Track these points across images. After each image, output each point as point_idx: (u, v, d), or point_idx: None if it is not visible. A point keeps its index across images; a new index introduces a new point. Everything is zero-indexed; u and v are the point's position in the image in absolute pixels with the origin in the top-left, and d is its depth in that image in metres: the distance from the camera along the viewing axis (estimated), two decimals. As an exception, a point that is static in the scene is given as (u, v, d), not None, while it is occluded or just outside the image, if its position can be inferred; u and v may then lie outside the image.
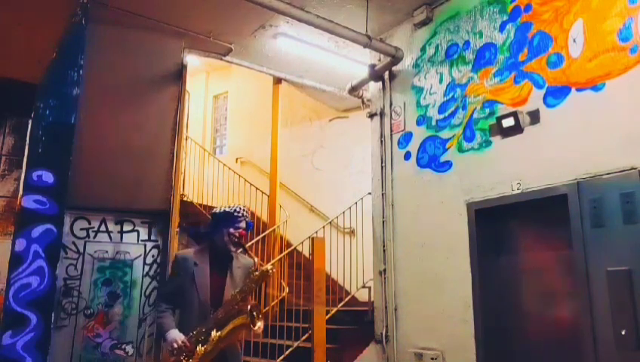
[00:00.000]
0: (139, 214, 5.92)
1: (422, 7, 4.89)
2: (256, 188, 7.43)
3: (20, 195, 4.81)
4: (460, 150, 4.37)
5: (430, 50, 4.85)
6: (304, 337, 5.47)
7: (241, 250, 3.46)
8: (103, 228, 5.78)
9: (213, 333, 3.02)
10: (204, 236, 3.45)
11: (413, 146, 4.84)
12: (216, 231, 3.33)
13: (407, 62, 5.08)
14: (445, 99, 4.59)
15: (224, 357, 3.17)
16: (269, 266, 3.27)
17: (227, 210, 3.34)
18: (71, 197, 5.19)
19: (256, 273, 3.23)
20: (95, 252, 5.69)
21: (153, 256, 5.95)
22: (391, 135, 5.12)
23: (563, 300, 3.67)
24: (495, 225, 4.07)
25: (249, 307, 3.11)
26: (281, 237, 6.97)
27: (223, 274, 3.26)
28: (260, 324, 3.07)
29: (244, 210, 3.35)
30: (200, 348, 3.00)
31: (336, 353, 5.14)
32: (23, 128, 4.95)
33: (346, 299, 6.20)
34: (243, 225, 3.31)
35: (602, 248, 3.25)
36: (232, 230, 3.26)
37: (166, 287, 3.48)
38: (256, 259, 3.40)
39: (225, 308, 3.11)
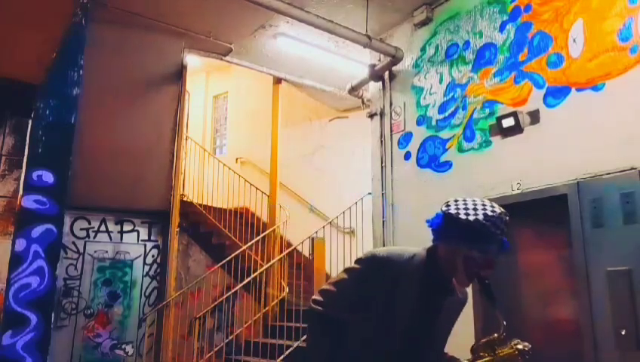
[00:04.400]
0: (139, 214, 5.93)
1: (422, 7, 4.90)
2: (257, 188, 7.43)
3: (20, 195, 4.81)
4: (460, 150, 4.37)
5: (430, 50, 4.85)
6: (304, 337, 5.47)
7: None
8: (103, 228, 5.79)
9: None
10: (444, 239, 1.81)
11: (413, 146, 4.84)
12: (443, 241, 1.81)
13: (407, 62, 5.08)
14: (445, 99, 4.59)
15: None
16: (519, 346, 1.77)
17: (478, 218, 1.68)
18: (71, 197, 5.19)
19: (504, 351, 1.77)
20: (95, 252, 5.70)
21: (153, 256, 5.96)
22: (391, 135, 5.12)
23: (563, 300, 3.67)
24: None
25: None
26: (281, 237, 6.97)
27: (431, 313, 1.84)
28: None
29: (507, 224, 1.73)
30: None
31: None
32: (23, 128, 4.94)
33: (346, 299, 6.19)
34: (497, 249, 1.72)
35: (602, 248, 3.24)
36: (476, 253, 1.72)
37: (345, 294, 1.84)
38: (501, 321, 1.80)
39: None
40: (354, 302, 1.81)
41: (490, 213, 1.69)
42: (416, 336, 1.80)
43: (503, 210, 1.74)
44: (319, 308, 1.86)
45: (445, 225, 1.77)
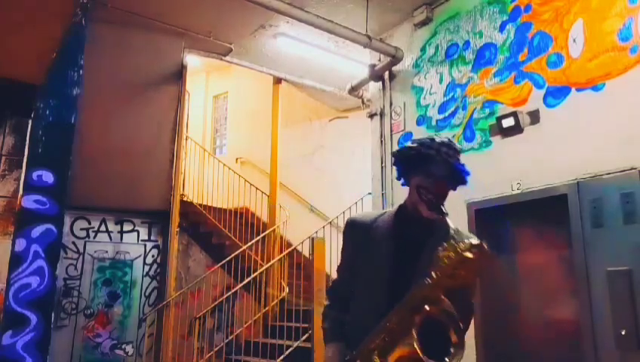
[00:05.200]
0: (139, 214, 5.93)
1: (422, 7, 4.89)
2: (257, 188, 7.43)
3: (20, 195, 4.81)
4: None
5: (430, 50, 4.85)
6: (304, 337, 5.47)
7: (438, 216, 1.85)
8: (103, 228, 5.79)
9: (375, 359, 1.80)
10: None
11: (413, 146, 4.83)
12: (404, 181, 1.95)
13: (407, 62, 5.08)
14: (445, 99, 4.59)
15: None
16: (473, 240, 1.64)
17: (412, 144, 1.87)
18: (71, 198, 5.19)
19: (450, 253, 1.64)
20: (95, 252, 5.70)
21: (153, 256, 5.96)
22: (391, 135, 5.12)
23: (563, 300, 3.67)
24: (495, 225, 4.06)
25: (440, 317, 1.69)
26: (281, 237, 6.97)
27: (412, 255, 1.86)
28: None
29: (446, 144, 1.82)
30: None
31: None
32: (23, 128, 4.95)
33: (346, 299, 6.18)
34: (442, 171, 1.79)
35: (602, 248, 3.24)
36: (421, 179, 1.82)
37: (338, 269, 2.08)
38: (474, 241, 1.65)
39: (398, 313, 1.73)
40: (351, 264, 2.00)
41: (420, 139, 1.88)
42: (401, 282, 1.81)
43: (438, 136, 1.86)
44: (328, 291, 2.10)
45: (400, 168, 1.95)
